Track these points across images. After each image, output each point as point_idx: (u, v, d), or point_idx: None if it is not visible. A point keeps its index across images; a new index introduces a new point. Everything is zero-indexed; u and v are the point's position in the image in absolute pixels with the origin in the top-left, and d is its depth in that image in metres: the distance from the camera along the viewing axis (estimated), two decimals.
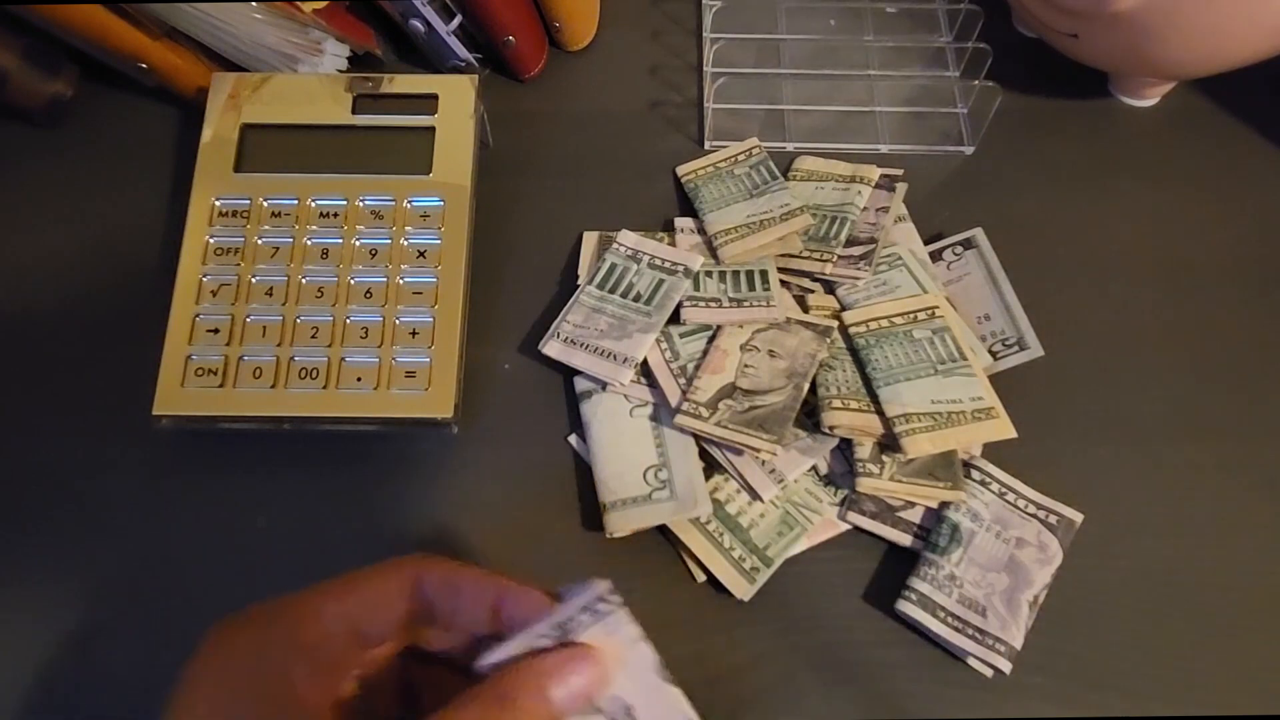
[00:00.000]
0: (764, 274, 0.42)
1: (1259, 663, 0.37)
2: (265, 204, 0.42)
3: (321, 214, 0.42)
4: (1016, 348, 0.41)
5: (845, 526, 0.39)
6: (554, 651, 0.25)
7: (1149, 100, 0.50)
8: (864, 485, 0.38)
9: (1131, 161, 0.48)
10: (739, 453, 0.39)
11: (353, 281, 0.41)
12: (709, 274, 0.42)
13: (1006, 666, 0.35)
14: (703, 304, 0.42)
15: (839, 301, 0.43)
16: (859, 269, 0.42)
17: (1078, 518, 0.38)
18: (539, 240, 0.46)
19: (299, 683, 0.24)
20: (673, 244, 0.44)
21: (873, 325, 0.41)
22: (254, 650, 0.24)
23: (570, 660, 0.24)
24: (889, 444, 0.38)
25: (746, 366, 0.40)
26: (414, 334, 0.40)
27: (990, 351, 0.41)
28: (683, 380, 0.40)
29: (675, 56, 0.51)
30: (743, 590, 0.37)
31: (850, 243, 0.43)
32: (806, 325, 0.41)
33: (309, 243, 0.41)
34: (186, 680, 0.24)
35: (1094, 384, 0.42)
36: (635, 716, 0.25)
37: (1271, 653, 0.37)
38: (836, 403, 0.39)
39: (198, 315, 0.40)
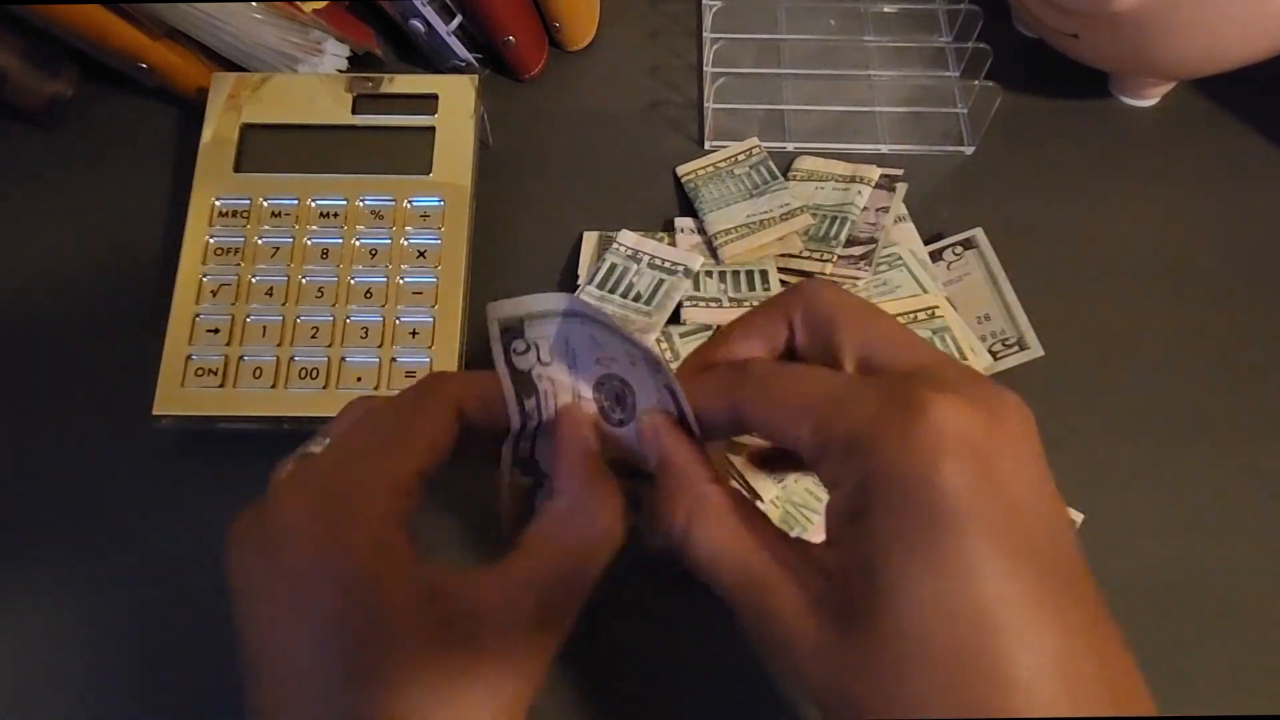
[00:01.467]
0: (764, 274, 0.42)
1: (1259, 662, 0.37)
2: (265, 204, 0.42)
3: (321, 214, 0.42)
4: (1016, 348, 0.41)
5: None
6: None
7: (1149, 100, 0.50)
8: None
9: (1131, 161, 0.48)
10: (739, 452, 0.39)
11: (353, 281, 0.41)
12: (709, 274, 0.42)
13: None
14: (703, 304, 0.42)
15: None
16: (859, 269, 0.42)
17: (1078, 518, 0.38)
18: (539, 240, 0.46)
19: (380, 555, 0.22)
20: (673, 244, 0.44)
21: None
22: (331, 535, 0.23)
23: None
24: None
25: None
26: (414, 334, 0.40)
27: (990, 351, 0.41)
28: None
29: (675, 56, 0.51)
30: None
31: (850, 243, 0.43)
32: None
33: (309, 243, 0.41)
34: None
35: (1094, 384, 0.42)
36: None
37: (1272, 652, 0.37)
38: None
39: (198, 315, 0.40)
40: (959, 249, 0.44)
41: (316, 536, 0.22)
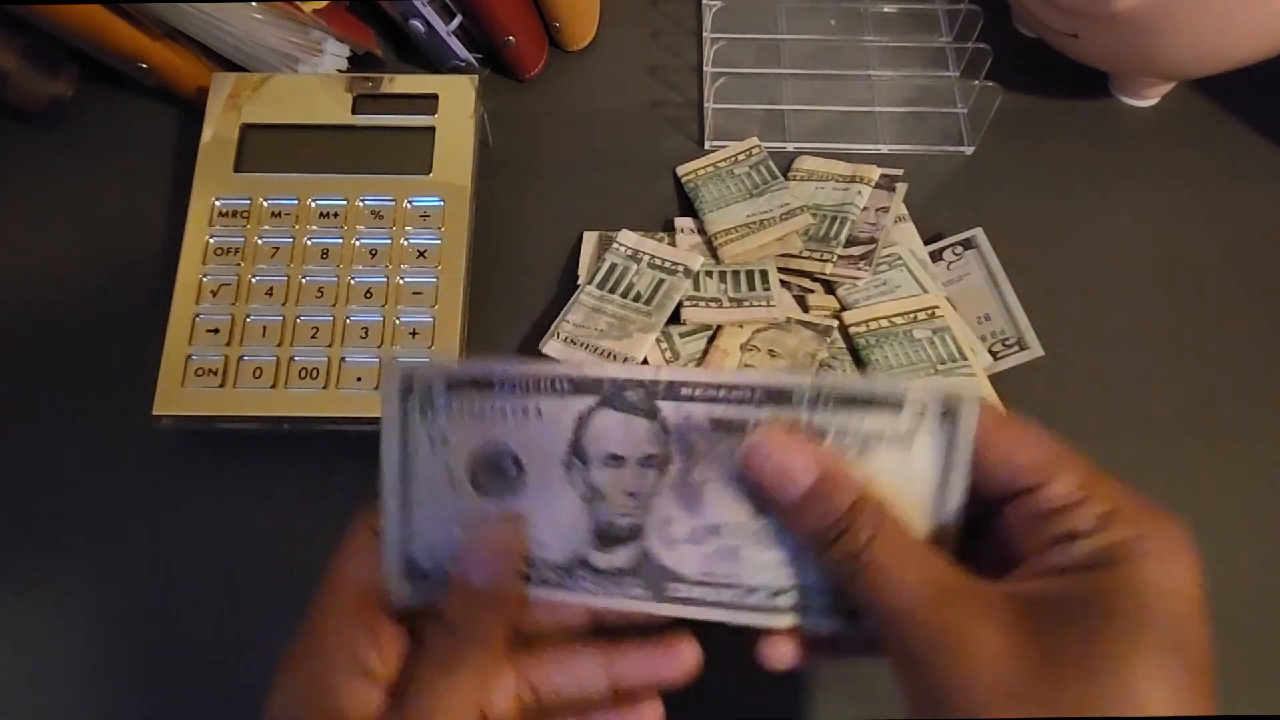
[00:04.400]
0: (764, 274, 0.42)
1: (1259, 663, 0.37)
2: (265, 204, 0.42)
3: (321, 214, 0.42)
4: (1016, 348, 0.41)
5: None
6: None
7: (1149, 100, 0.50)
8: None
9: (1131, 161, 0.48)
10: None
11: (353, 281, 0.41)
12: (709, 274, 0.42)
13: None
14: (703, 304, 0.42)
15: (839, 301, 0.43)
16: (859, 269, 0.42)
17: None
18: (539, 240, 0.46)
19: (361, 651, 0.25)
20: (673, 244, 0.44)
21: (873, 325, 0.41)
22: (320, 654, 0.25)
23: (473, 541, 0.26)
24: None
25: (746, 366, 0.40)
26: (414, 334, 0.40)
27: (990, 351, 0.41)
28: None
29: (675, 56, 0.51)
30: None
31: (850, 243, 0.43)
32: (806, 325, 0.41)
33: (309, 243, 0.41)
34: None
35: (1094, 384, 0.42)
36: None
37: (1271, 653, 0.37)
38: None
39: (198, 315, 0.40)
40: (959, 249, 0.44)
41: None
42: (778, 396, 0.25)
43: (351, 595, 0.26)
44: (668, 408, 0.26)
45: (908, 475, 0.25)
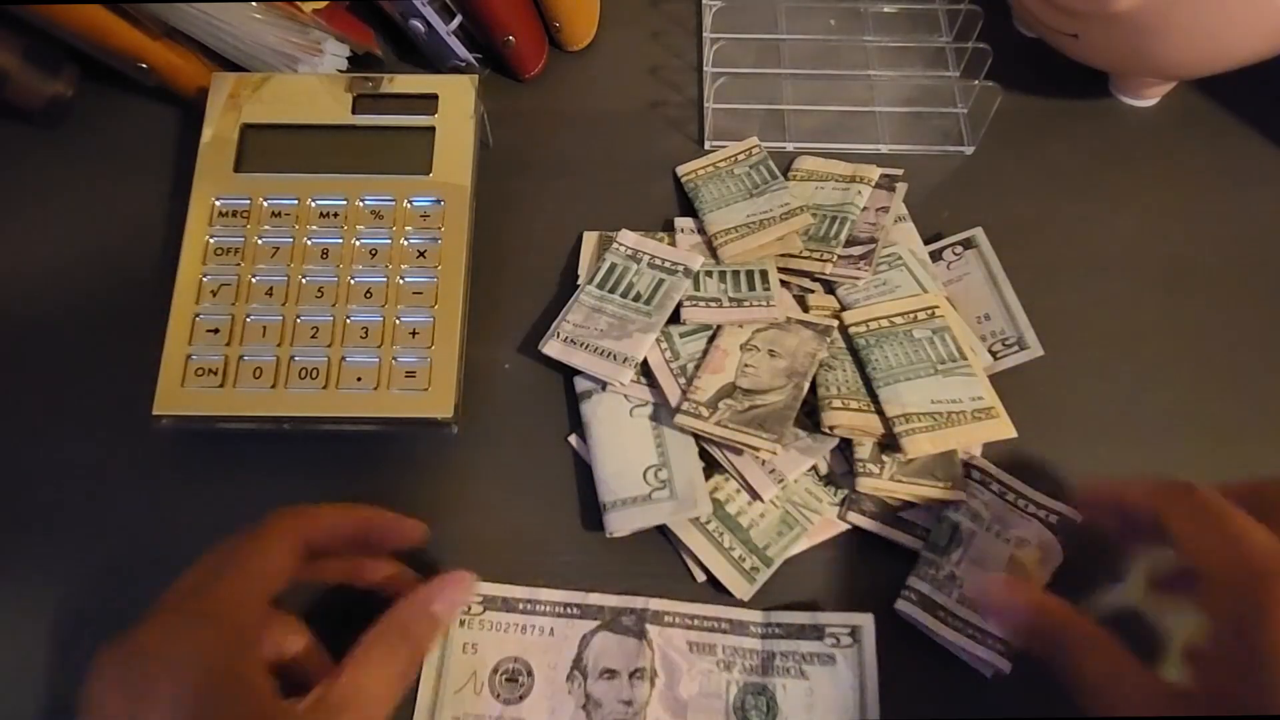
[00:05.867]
0: (764, 274, 0.42)
1: None
2: (265, 204, 0.42)
3: (321, 214, 0.42)
4: (1016, 348, 0.41)
5: (845, 526, 0.39)
6: (433, 579, 0.33)
7: (1149, 100, 0.50)
8: (864, 485, 0.38)
9: (1131, 161, 0.48)
10: (739, 452, 0.39)
11: (353, 281, 0.41)
12: (709, 274, 0.42)
13: (1006, 666, 0.35)
14: (703, 304, 0.42)
15: (839, 301, 0.43)
16: (859, 269, 0.42)
17: (1078, 518, 0.38)
18: (539, 240, 0.46)
19: (247, 669, 0.28)
20: (673, 244, 0.44)
21: (873, 325, 0.41)
22: (209, 654, 0.27)
23: (445, 581, 0.32)
24: (889, 444, 0.38)
25: (746, 366, 0.40)
26: (414, 334, 0.40)
27: (990, 351, 0.41)
28: (683, 380, 0.40)
29: (675, 56, 0.51)
30: (742, 590, 0.37)
31: (850, 243, 0.43)
32: (806, 325, 0.41)
33: (309, 243, 0.41)
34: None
35: (1094, 384, 0.42)
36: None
37: None
38: (836, 403, 0.39)
39: (198, 315, 0.40)
40: (959, 249, 0.44)
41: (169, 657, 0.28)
42: (739, 627, 0.36)
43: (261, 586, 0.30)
44: (653, 631, 0.35)
45: (834, 685, 0.35)
